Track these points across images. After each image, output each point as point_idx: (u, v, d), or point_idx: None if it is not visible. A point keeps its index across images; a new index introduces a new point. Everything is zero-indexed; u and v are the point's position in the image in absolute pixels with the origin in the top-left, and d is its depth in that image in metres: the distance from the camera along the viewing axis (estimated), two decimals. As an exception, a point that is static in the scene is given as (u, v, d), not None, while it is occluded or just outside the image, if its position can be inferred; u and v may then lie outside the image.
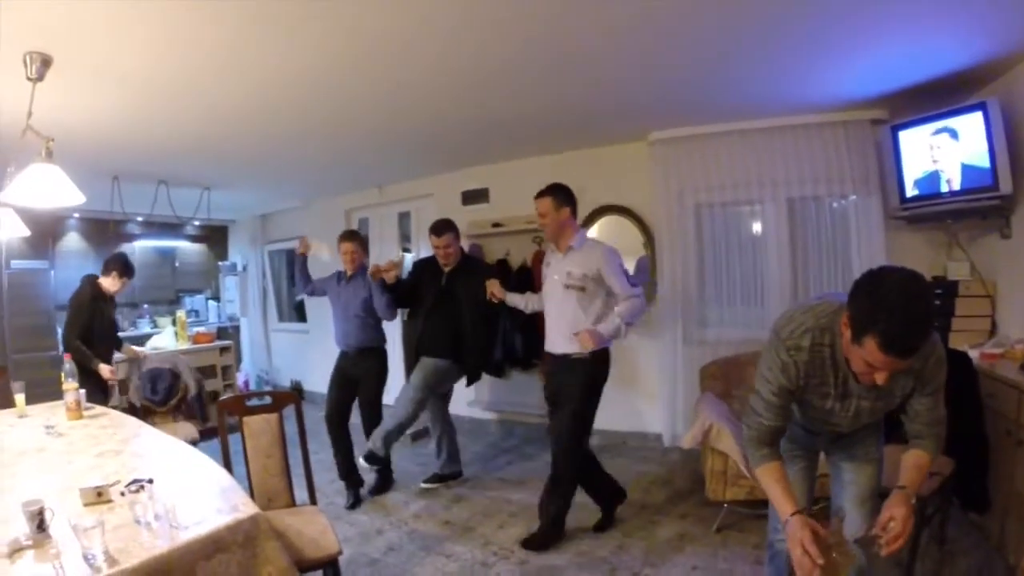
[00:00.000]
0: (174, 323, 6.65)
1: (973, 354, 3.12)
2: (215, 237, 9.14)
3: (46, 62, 2.64)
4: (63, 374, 3.13)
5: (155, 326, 7.85)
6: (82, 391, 3.16)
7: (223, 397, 2.82)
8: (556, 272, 3.32)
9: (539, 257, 4.95)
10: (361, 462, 3.97)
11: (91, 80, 3.00)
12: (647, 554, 3.21)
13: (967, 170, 3.48)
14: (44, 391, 3.81)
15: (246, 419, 2.67)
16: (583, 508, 3.62)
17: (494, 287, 3.65)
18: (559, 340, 3.29)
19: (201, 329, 6.96)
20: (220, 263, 9.05)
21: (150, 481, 1.95)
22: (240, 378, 7.59)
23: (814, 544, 1.55)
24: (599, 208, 5.19)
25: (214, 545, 1.65)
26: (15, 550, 1.52)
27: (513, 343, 5.28)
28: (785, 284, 4.45)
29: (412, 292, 4.22)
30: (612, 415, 5.03)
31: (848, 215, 4.36)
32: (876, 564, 1.97)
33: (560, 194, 3.30)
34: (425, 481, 4.33)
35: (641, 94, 3.78)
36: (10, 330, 6.38)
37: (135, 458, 2.42)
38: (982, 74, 3.43)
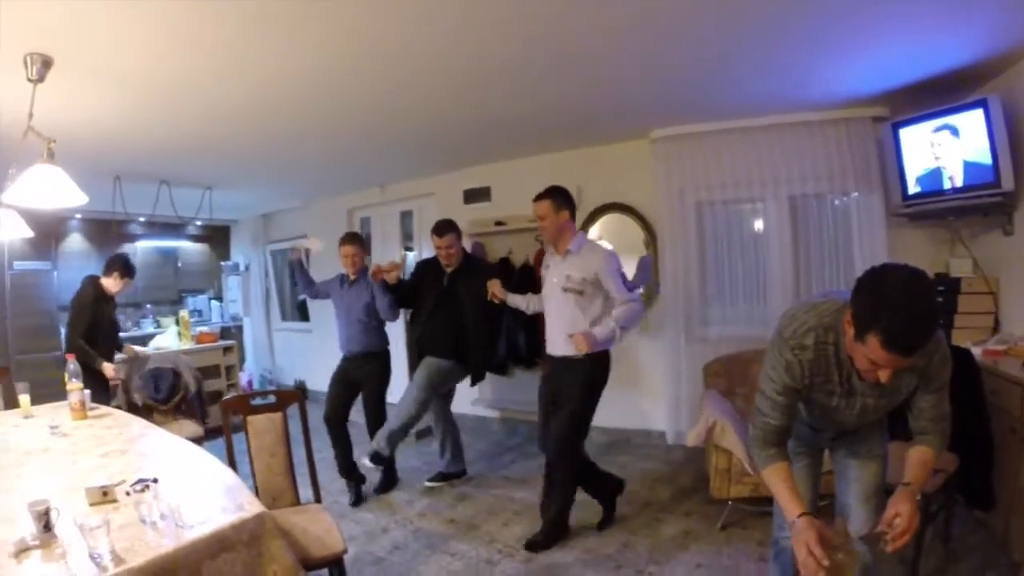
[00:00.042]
0: (177, 323, 6.65)
1: (976, 351, 3.12)
2: (217, 237, 9.15)
3: (47, 63, 2.65)
4: (67, 374, 3.14)
5: (158, 326, 7.86)
6: (86, 391, 3.18)
7: (227, 397, 2.82)
8: (555, 275, 3.33)
9: (541, 255, 4.96)
10: (366, 462, 3.97)
11: (92, 81, 3.01)
12: (652, 552, 3.22)
13: (969, 167, 3.47)
14: (48, 391, 3.82)
15: (250, 418, 2.68)
16: (587, 505, 3.62)
17: (495, 287, 3.66)
18: (559, 342, 3.29)
19: (204, 329, 6.96)
20: (222, 263, 9.07)
21: (155, 480, 1.96)
22: (243, 378, 7.60)
23: (819, 545, 1.55)
24: (601, 206, 5.19)
25: (219, 544, 1.65)
26: (21, 550, 1.52)
27: (516, 341, 5.29)
28: (787, 282, 4.45)
29: (414, 293, 4.23)
30: (616, 413, 5.04)
31: (850, 212, 4.35)
32: (881, 561, 1.97)
33: (559, 197, 3.30)
34: (429, 480, 4.33)
35: (642, 92, 3.78)
36: (13, 331, 6.39)
37: (140, 458, 2.43)
38: (983, 71, 3.42)
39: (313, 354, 7.52)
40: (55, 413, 3.17)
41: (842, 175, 4.23)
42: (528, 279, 5.11)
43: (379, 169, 5.88)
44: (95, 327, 4.27)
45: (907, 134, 3.78)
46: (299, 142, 4.58)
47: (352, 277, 4.26)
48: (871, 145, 4.14)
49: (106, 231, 7.44)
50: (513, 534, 3.50)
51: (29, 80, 2.66)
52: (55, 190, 2.63)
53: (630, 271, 5.24)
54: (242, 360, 8.18)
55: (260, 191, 6.83)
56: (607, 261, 3.22)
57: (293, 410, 2.78)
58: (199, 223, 8.01)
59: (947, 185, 3.60)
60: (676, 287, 4.70)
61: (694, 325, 4.72)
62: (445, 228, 4.00)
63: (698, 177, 4.63)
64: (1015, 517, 2.68)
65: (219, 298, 9.11)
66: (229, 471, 2.21)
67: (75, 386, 3.11)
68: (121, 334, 7.14)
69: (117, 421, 3.08)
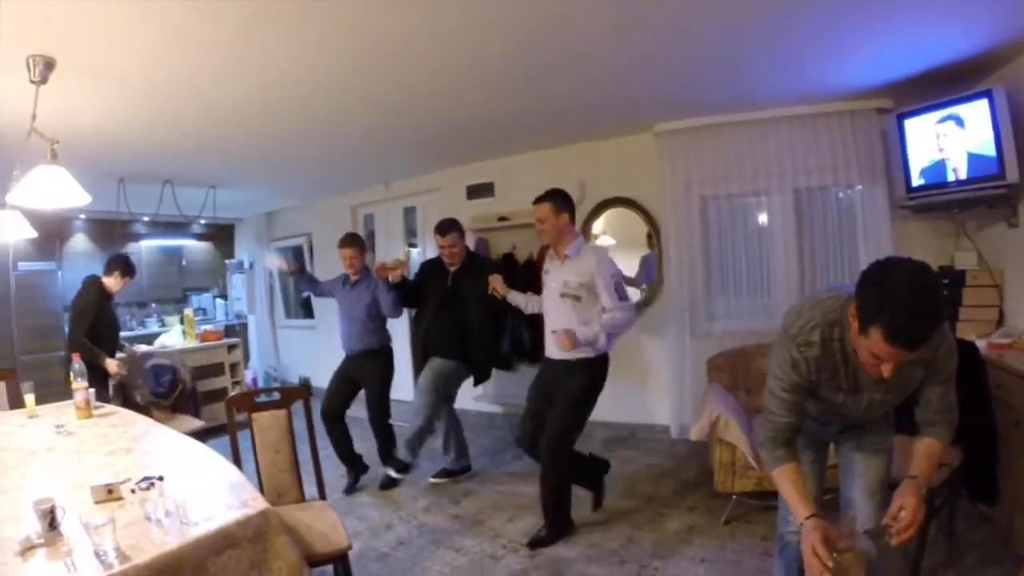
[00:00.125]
0: (182, 321, 6.68)
1: (981, 344, 3.10)
2: (221, 235, 9.18)
3: (49, 65, 2.65)
4: (72, 373, 3.16)
5: (163, 325, 7.88)
6: (91, 390, 3.19)
7: (232, 394, 2.84)
8: (554, 280, 3.34)
9: (545, 251, 4.97)
10: (392, 473, 4.09)
11: (94, 82, 3.01)
12: (656, 547, 3.22)
13: (973, 159, 3.45)
14: (53, 391, 3.85)
15: (255, 415, 2.69)
16: (591, 501, 3.63)
17: (496, 282, 3.67)
18: (557, 346, 3.29)
19: (209, 327, 6.99)
20: (227, 261, 9.09)
21: (160, 478, 1.97)
22: (248, 375, 7.62)
23: (823, 546, 1.55)
24: (604, 201, 5.18)
25: (224, 541, 1.66)
26: (27, 548, 1.54)
27: (521, 336, 5.28)
28: (792, 275, 4.43)
29: (418, 292, 4.23)
30: (620, 407, 5.05)
31: (854, 205, 4.33)
32: (885, 556, 1.96)
33: (559, 199, 3.30)
34: (434, 476, 4.34)
35: (646, 86, 3.77)
36: (19, 331, 6.43)
37: (145, 456, 2.44)
38: (988, 62, 3.40)
39: (317, 351, 7.53)
40: (60, 412, 3.18)
41: (846, 167, 4.21)
42: (531, 275, 5.11)
43: (382, 166, 5.88)
44: (97, 326, 4.34)
45: (912, 125, 3.76)
46: (301, 141, 4.58)
47: (353, 278, 4.28)
48: (875, 137, 4.12)
49: (110, 231, 7.47)
50: (518, 529, 3.51)
51: (32, 82, 2.67)
52: (59, 190, 2.65)
53: (633, 268, 5.28)
54: (247, 358, 8.21)
55: (263, 190, 6.84)
56: (602, 267, 3.21)
57: (298, 407, 2.79)
58: (203, 222, 8.02)
59: (951, 177, 3.58)
60: (680, 281, 4.70)
61: (698, 319, 4.71)
62: (448, 227, 4.00)
63: (702, 171, 4.62)
64: (1019, 511, 2.67)
65: (223, 296, 9.14)
66: (234, 468, 2.23)
67: (80, 385, 3.12)
68: (126, 333, 7.23)
69: (122, 420, 3.10)
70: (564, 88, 3.63)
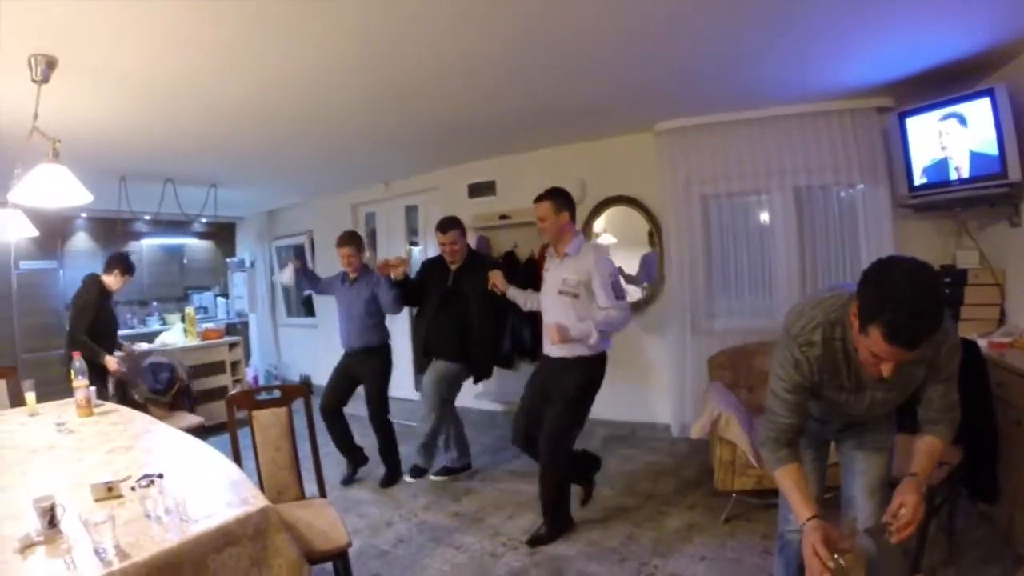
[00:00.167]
0: (183, 320, 6.68)
1: (982, 343, 3.10)
2: (222, 234, 9.18)
3: (51, 64, 2.66)
4: (73, 371, 3.17)
5: (164, 323, 7.90)
6: (92, 388, 3.20)
7: (232, 392, 2.84)
8: (553, 278, 3.34)
9: (546, 250, 4.98)
10: (407, 478, 4.11)
11: (95, 81, 3.02)
12: (656, 544, 3.22)
13: (975, 157, 3.44)
14: (54, 389, 3.86)
15: (255, 413, 2.70)
16: (592, 499, 3.63)
17: (496, 278, 3.68)
18: (557, 345, 3.29)
19: (210, 325, 6.99)
20: (228, 259, 9.10)
21: (160, 476, 1.98)
22: (249, 373, 7.63)
23: (824, 546, 1.55)
24: (606, 199, 5.19)
25: (224, 538, 1.67)
26: (27, 546, 1.54)
27: (521, 334, 5.29)
28: (793, 274, 4.43)
29: (419, 290, 4.24)
30: (621, 406, 5.05)
31: (856, 204, 4.33)
32: (885, 554, 1.96)
33: (559, 198, 3.30)
34: (435, 474, 4.35)
35: (647, 85, 3.77)
36: (20, 330, 6.45)
37: (145, 454, 2.45)
38: (990, 60, 3.39)
39: (318, 349, 7.53)
40: (61, 410, 3.19)
41: (848, 166, 4.21)
42: (532, 273, 5.11)
43: (383, 165, 5.89)
44: (97, 323, 4.38)
45: (914, 124, 3.75)
46: (301, 140, 4.59)
47: (352, 275, 4.32)
48: (877, 136, 4.11)
49: (111, 230, 7.48)
50: (518, 527, 3.51)
51: (34, 81, 2.68)
52: (60, 189, 2.65)
53: (634, 267, 5.28)
54: (248, 356, 8.23)
55: (264, 188, 6.85)
56: (600, 266, 3.21)
57: (298, 405, 2.79)
58: (204, 220, 8.03)
59: (953, 176, 3.57)
60: (681, 280, 4.70)
61: (699, 317, 4.71)
62: (449, 225, 4.01)
63: (703, 169, 4.62)
64: (1020, 510, 2.67)
65: (225, 295, 9.15)
66: (234, 466, 2.23)
67: (81, 383, 3.13)
68: (128, 331, 7.24)
69: (123, 418, 3.10)
70: (565, 87, 3.63)
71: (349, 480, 4.36)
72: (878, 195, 4.15)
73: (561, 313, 3.24)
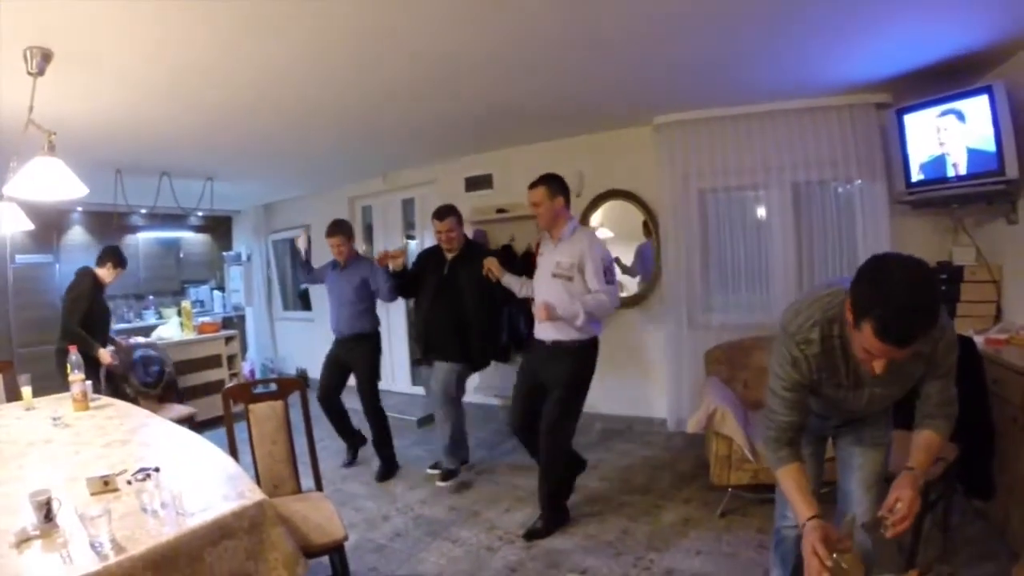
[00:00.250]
0: (179, 314, 6.67)
1: (978, 340, 3.10)
2: (219, 227, 9.15)
3: (46, 57, 2.64)
4: (69, 365, 3.17)
5: (160, 317, 7.88)
6: (88, 382, 3.19)
7: (229, 385, 2.84)
8: (547, 261, 3.35)
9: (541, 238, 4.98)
10: (439, 483, 4.10)
11: (91, 74, 2.99)
12: (651, 539, 3.23)
13: (973, 154, 3.44)
14: (50, 384, 3.85)
15: (251, 406, 2.69)
16: (585, 492, 3.64)
17: (492, 264, 3.68)
18: (547, 327, 3.30)
19: (207, 319, 6.97)
20: (224, 253, 9.07)
21: (156, 469, 1.97)
22: (245, 367, 7.62)
23: (823, 545, 1.55)
24: (603, 193, 5.19)
25: (220, 531, 1.67)
26: (23, 540, 1.54)
27: (518, 327, 5.28)
28: (790, 269, 4.44)
29: (416, 281, 4.24)
30: (617, 400, 5.07)
31: (853, 200, 4.32)
32: (880, 548, 1.97)
33: (553, 183, 3.31)
34: (431, 467, 4.35)
35: (645, 79, 3.75)
36: (16, 324, 6.43)
37: (142, 447, 2.44)
38: (988, 57, 3.38)
39: (315, 343, 7.50)
40: (57, 404, 3.18)
41: (845, 162, 4.21)
42: (529, 266, 5.09)
43: (380, 158, 5.88)
44: (90, 316, 4.41)
45: (912, 120, 3.75)
46: (296, 133, 4.57)
47: (342, 264, 4.41)
48: (875, 132, 4.11)
49: (107, 223, 7.44)
50: (514, 521, 3.52)
51: (29, 73, 2.66)
52: (56, 182, 2.63)
53: (630, 258, 5.28)
54: (244, 350, 8.22)
55: (261, 182, 6.83)
56: (592, 250, 3.23)
57: (294, 398, 2.79)
58: (201, 214, 7.98)
59: (951, 173, 3.57)
60: (678, 274, 4.70)
61: (696, 312, 4.72)
62: (446, 212, 4.00)
63: (701, 164, 4.62)
64: (1015, 506, 2.68)
65: (221, 288, 9.12)
66: (230, 459, 2.23)
67: (77, 377, 3.13)
68: (124, 325, 7.23)
69: (119, 412, 3.10)
70: (565, 77, 3.61)
71: (351, 463, 4.54)
72: (875, 191, 4.15)
73: (554, 296, 3.24)
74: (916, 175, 3.77)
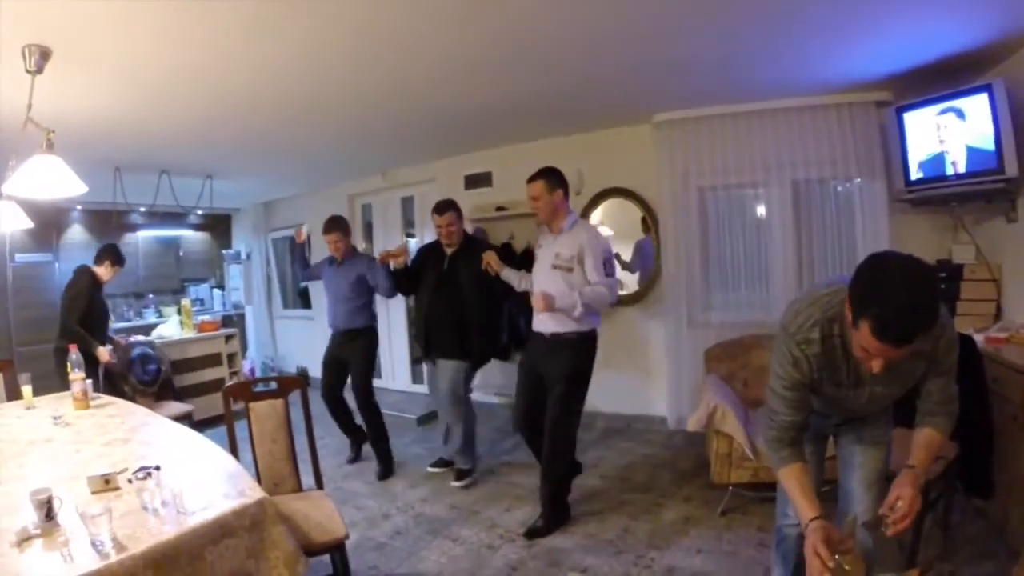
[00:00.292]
0: (179, 312, 6.67)
1: (978, 338, 3.10)
2: (219, 226, 9.13)
3: (45, 54, 2.63)
4: (70, 364, 3.16)
5: (160, 315, 7.87)
6: (89, 381, 3.19)
7: (229, 383, 2.84)
8: (547, 253, 3.36)
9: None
10: (453, 483, 4.10)
11: (90, 71, 2.98)
12: (652, 537, 3.23)
13: (972, 152, 3.44)
14: (50, 383, 3.85)
15: (252, 405, 2.69)
16: (585, 491, 3.64)
17: (491, 257, 3.68)
18: (546, 319, 3.30)
19: (206, 317, 6.97)
20: (224, 251, 9.05)
21: (157, 468, 1.97)
22: (246, 365, 7.62)
23: (824, 546, 1.55)
24: (603, 191, 5.19)
25: (221, 530, 1.67)
26: (24, 539, 1.54)
27: (518, 326, 5.28)
28: (789, 267, 4.44)
29: (416, 278, 4.24)
30: (617, 398, 5.07)
31: (853, 198, 4.32)
32: (881, 548, 1.97)
33: (552, 177, 3.32)
34: (431, 465, 4.37)
35: (645, 77, 3.75)
36: (15, 323, 6.42)
37: (143, 446, 2.44)
38: (988, 55, 3.38)
39: (315, 341, 7.48)
40: (58, 403, 3.18)
41: (845, 160, 4.21)
42: (529, 264, 5.09)
43: (379, 156, 5.87)
44: (89, 315, 4.44)
45: (911, 118, 3.75)
46: (294, 131, 4.56)
47: (339, 260, 4.44)
48: (874, 130, 4.11)
49: (107, 222, 7.42)
50: (515, 519, 3.52)
51: (28, 71, 2.65)
52: (55, 180, 2.63)
53: (628, 255, 5.29)
54: (244, 348, 8.21)
55: (260, 179, 6.81)
56: (592, 241, 3.25)
57: (295, 397, 2.79)
58: (200, 212, 7.98)
59: (950, 171, 3.57)
60: (678, 272, 4.70)
61: (696, 310, 4.72)
62: (445, 207, 4.01)
63: (701, 162, 4.62)
64: (1015, 505, 2.68)
65: (221, 287, 9.11)
66: (231, 458, 2.23)
67: (78, 376, 3.12)
68: (124, 324, 7.22)
69: (119, 410, 3.10)
70: (562, 78, 3.62)
71: (354, 460, 4.62)
72: (875, 189, 4.15)
73: (553, 287, 3.25)
74: (916, 173, 3.77)
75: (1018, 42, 3.20)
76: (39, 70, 2.66)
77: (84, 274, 4.52)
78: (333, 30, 2.69)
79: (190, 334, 6.24)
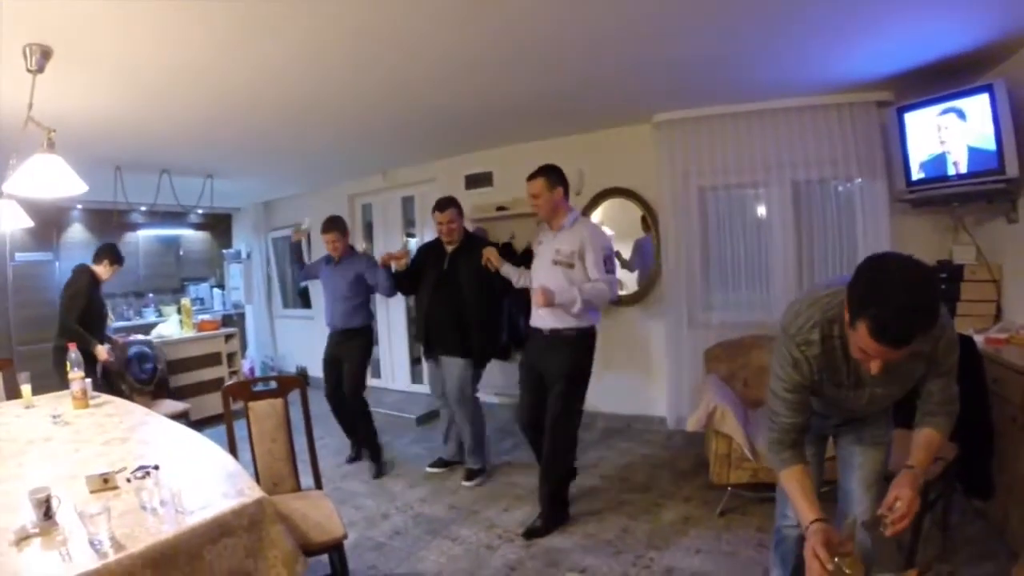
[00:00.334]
0: (179, 311, 6.67)
1: (978, 339, 3.10)
2: (219, 225, 9.14)
3: (46, 54, 2.63)
4: (69, 363, 3.16)
5: (160, 315, 7.87)
6: (88, 380, 3.19)
7: (228, 383, 2.84)
8: (547, 249, 3.37)
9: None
10: (464, 483, 4.10)
11: (91, 71, 2.98)
12: (651, 537, 3.23)
13: (973, 153, 3.44)
14: (49, 382, 3.85)
15: (251, 404, 2.69)
16: (585, 491, 3.64)
17: (490, 253, 3.69)
18: (545, 315, 3.31)
19: (206, 317, 6.98)
20: (224, 251, 9.07)
21: (156, 467, 1.97)
22: (245, 365, 7.62)
23: (825, 549, 1.55)
24: (603, 191, 5.19)
25: (219, 529, 1.67)
26: (22, 538, 1.54)
27: (518, 325, 5.28)
28: (790, 268, 4.43)
29: (417, 277, 4.24)
30: (617, 398, 5.07)
31: (853, 198, 4.31)
32: (880, 548, 1.97)
33: (552, 175, 3.33)
34: (431, 465, 4.37)
35: (645, 76, 3.74)
36: (15, 322, 6.43)
37: (141, 445, 2.45)
38: (989, 56, 3.38)
39: (315, 340, 7.45)
40: (57, 402, 3.19)
41: (845, 160, 4.21)
42: (529, 263, 5.09)
43: (379, 156, 5.87)
44: (87, 313, 4.46)
45: (912, 119, 3.75)
46: (294, 130, 4.56)
47: (336, 259, 4.47)
48: (875, 130, 4.10)
49: (107, 221, 7.43)
50: (514, 519, 3.52)
51: (29, 70, 2.65)
52: (56, 179, 2.63)
53: (628, 254, 5.29)
54: (244, 347, 8.22)
55: (261, 179, 6.81)
56: (593, 238, 3.26)
57: (294, 396, 2.79)
58: (200, 211, 7.99)
59: (951, 171, 3.57)
60: (678, 272, 4.69)
61: (696, 310, 4.71)
62: (446, 204, 4.01)
63: (701, 162, 4.61)
64: (1014, 506, 2.68)
65: (221, 286, 9.12)
66: (230, 457, 2.23)
67: (77, 375, 3.13)
68: (124, 323, 7.23)
69: (118, 409, 3.10)
70: (563, 78, 3.62)
71: (354, 459, 4.64)
72: (876, 189, 4.14)
73: (553, 282, 3.25)
74: (916, 173, 3.77)
75: (1018, 42, 3.20)
76: (40, 69, 2.66)
77: (83, 273, 4.54)
78: (333, 30, 2.70)
79: (190, 333, 6.25)
